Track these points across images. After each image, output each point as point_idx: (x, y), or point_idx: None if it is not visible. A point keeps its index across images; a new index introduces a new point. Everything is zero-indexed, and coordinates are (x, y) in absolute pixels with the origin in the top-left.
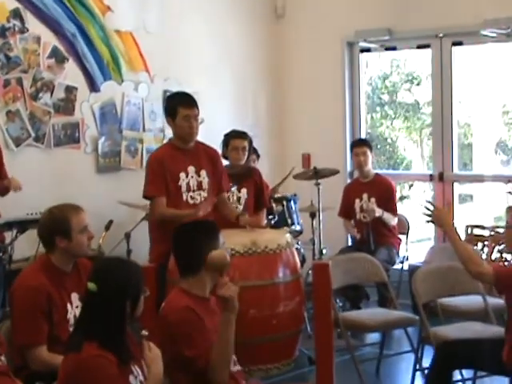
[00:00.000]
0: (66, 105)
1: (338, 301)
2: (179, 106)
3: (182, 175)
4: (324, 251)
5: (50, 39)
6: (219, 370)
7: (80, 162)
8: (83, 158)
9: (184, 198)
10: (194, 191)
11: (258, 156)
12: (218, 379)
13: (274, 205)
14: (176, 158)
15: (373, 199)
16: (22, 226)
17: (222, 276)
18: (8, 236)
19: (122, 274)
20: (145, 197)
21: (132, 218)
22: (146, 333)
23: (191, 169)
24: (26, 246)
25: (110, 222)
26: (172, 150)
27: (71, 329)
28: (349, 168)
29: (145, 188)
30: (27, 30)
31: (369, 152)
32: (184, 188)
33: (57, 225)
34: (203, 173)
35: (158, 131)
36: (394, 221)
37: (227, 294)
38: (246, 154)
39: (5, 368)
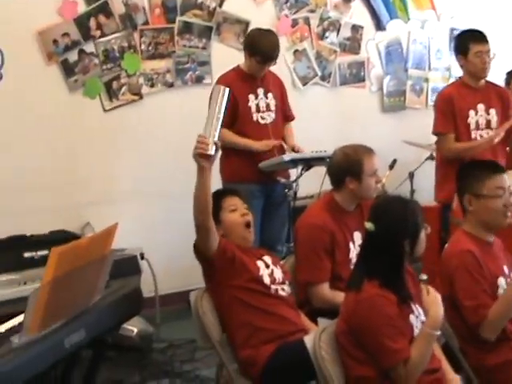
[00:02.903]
0: (352, 44)
1: None
2: (471, 42)
3: (472, 113)
4: None
5: None
6: (493, 327)
7: (365, 101)
8: (368, 97)
9: (473, 136)
10: (482, 129)
11: None
12: (488, 335)
13: None
14: (465, 97)
15: None
16: (306, 163)
17: None
18: (293, 173)
19: (399, 212)
20: (434, 133)
21: (416, 157)
22: (425, 277)
23: (480, 107)
24: (311, 183)
25: (394, 161)
26: (462, 88)
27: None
28: None
29: (434, 125)
30: None
31: None
32: (473, 126)
33: (349, 166)
34: (493, 111)
35: (444, 70)
36: None
37: None
38: None
39: (291, 299)
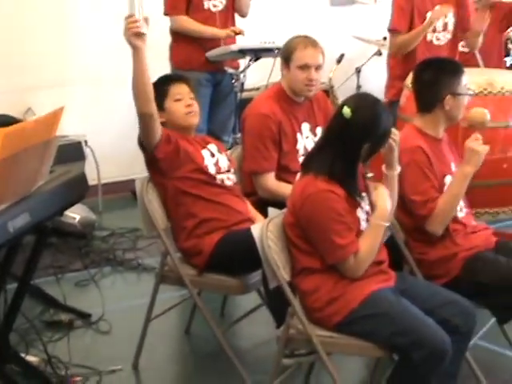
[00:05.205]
0: None
1: None
2: None
3: (430, 14)
4: None
5: None
6: (439, 220)
7: None
8: None
9: (428, 38)
10: (439, 32)
11: None
12: (435, 229)
13: (510, 46)
14: None
15: None
16: (255, 53)
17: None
18: (242, 64)
19: (377, 115)
20: (388, 29)
21: (364, 53)
22: (371, 174)
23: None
24: (258, 75)
25: (342, 55)
26: None
27: (300, 159)
28: None
29: (389, 22)
30: None
31: None
32: (430, 28)
33: (283, 50)
34: (450, 14)
35: None
36: None
37: (477, 147)
38: None
39: (237, 189)
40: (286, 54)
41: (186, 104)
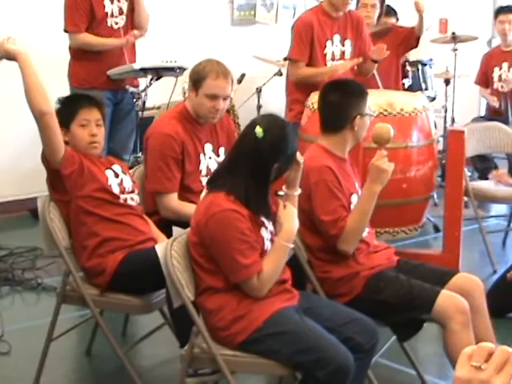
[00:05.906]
0: None
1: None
2: None
3: (329, 43)
4: (456, 119)
5: None
6: (350, 239)
7: (215, 13)
8: (218, 9)
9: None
10: (337, 60)
11: (396, 14)
12: (346, 247)
13: (408, 68)
14: (324, 26)
15: None
16: (156, 72)
17: (381, 149)
18: (143, 83)
19: (287, 135)
20: (288, 58)
21: (264, 73)
22: (282, 193)
23: (337, 38)
24: (160, 94)
25: (243, 75)
26: (322, 16)
27: (203, 179)
28: (489, 35)
29: (289, 50)
30: None
31: None
32: (329, 56)
33: (193, 74)
34: (348, 42)
35: None
36: None
37: (384, 166)
38: (377, 11)
39: (139, 209)
40: (196, 79)
41: (90, 133)
